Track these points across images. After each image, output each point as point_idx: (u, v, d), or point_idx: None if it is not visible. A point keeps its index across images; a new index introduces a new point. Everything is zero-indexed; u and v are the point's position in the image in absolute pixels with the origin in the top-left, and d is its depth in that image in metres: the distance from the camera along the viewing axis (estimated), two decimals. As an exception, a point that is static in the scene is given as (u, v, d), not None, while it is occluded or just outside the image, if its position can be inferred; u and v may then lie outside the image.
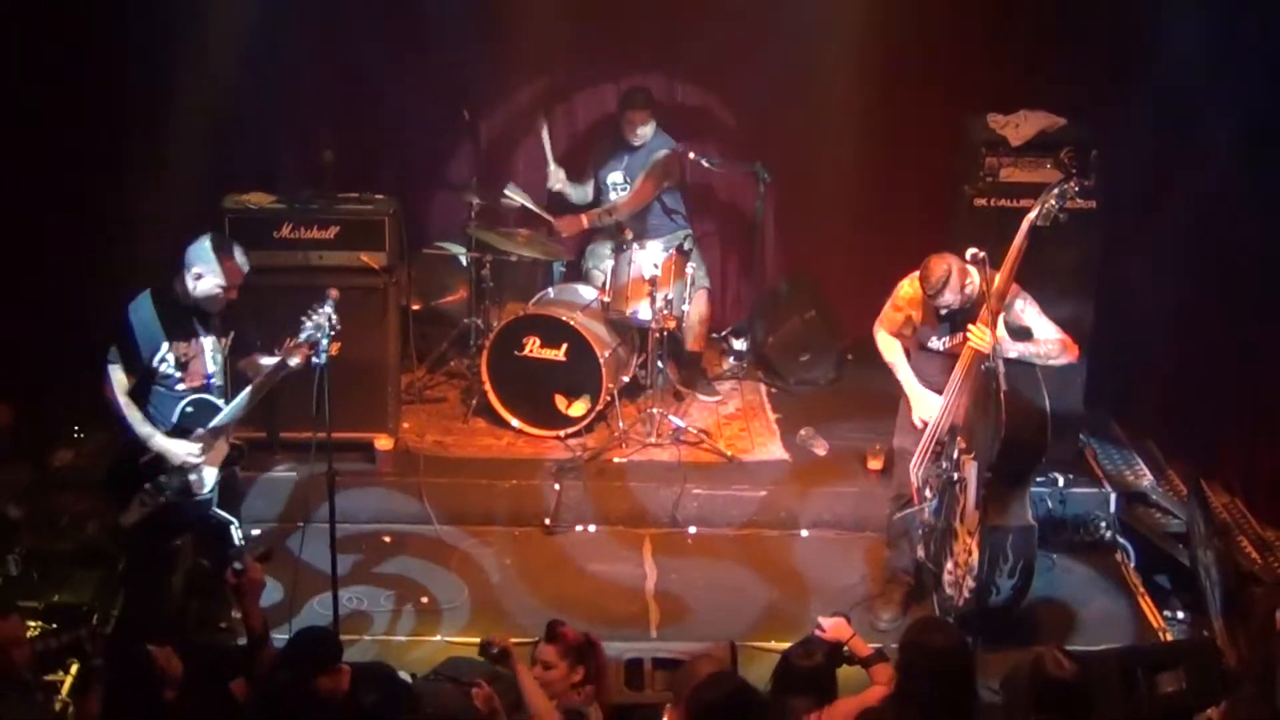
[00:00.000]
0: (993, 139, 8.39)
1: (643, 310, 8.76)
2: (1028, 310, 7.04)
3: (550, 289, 9.33)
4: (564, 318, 8.79)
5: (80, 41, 8.65)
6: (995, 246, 6.89)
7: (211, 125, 8.79)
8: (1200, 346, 8.73)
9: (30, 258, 8.82)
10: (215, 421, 6.83)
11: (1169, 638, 7.60)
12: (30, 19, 8.55)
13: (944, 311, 7.10)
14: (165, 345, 6.81)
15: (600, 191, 9.49)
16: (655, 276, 8.70)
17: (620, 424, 8.91)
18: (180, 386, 6.87)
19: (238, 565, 6.29)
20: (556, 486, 8.48)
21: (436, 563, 8.16)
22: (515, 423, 8.94)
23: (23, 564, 7.53)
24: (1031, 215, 6.85)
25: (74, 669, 6.74)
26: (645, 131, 9.27)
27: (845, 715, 5.73)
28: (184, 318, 6.87)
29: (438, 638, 7.54)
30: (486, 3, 9.38)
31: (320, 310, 6.60)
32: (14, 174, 8.66)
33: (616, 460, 8.76)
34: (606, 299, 9.01)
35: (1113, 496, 8.57)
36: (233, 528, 7.06)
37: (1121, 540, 8.38)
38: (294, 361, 6.68)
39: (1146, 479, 8.84)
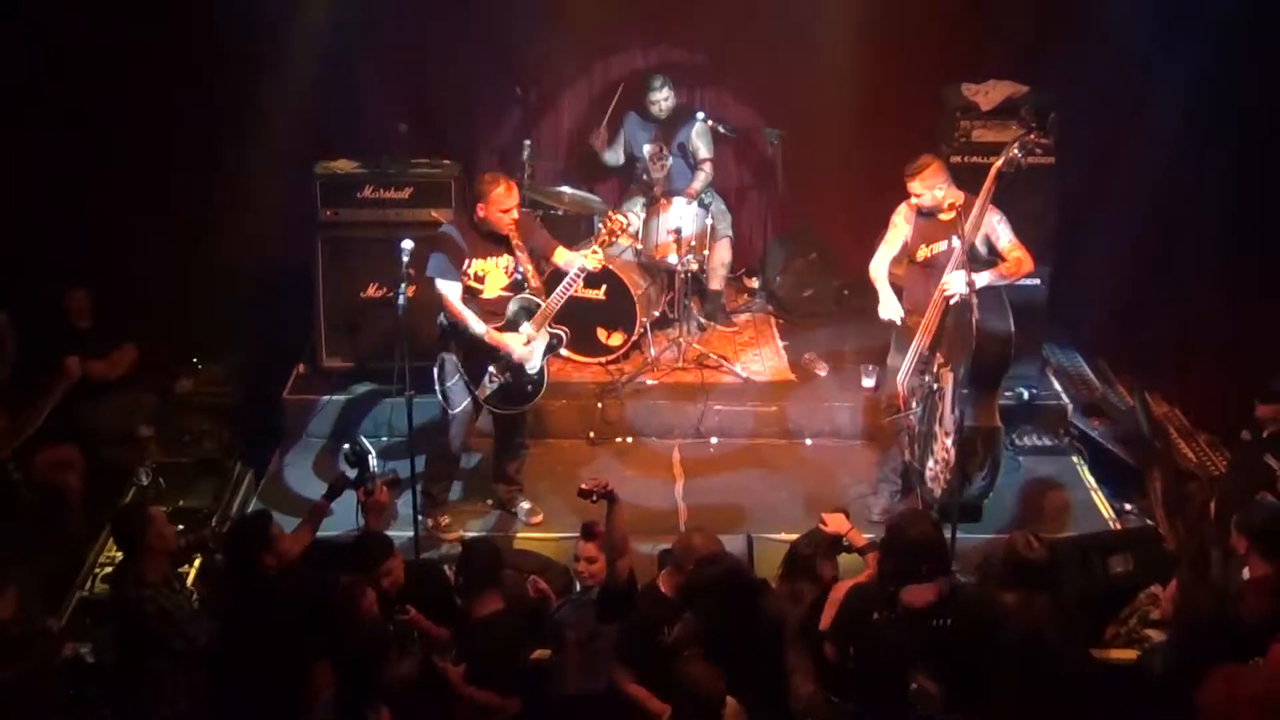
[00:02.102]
0: (966, 105, 8.30)
1: (670, 255, 8.72)
2: (1000, 226, 7.02)
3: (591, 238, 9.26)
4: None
5: (209, 43, 8.71)
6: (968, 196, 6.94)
7: (305, 103, 8.80)
8: (1143, 280, 8.67)
9: (154, 214, 8.83)
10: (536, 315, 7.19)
11: (1118, 527, 7.59)
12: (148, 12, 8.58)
13: (914, 200, 7.08)
14: (468, 261, 7.07)
15: (635, 163, 9.35)
16: (681, 226, 8.64)
17: (652, 352, 8.89)
18: (483, 296, 7.14)
19: (369, 487, 6.40)
20: (599, 405, 8.49)
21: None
22: (563, 351, 8.89)
23: (152, 475, 7.60)
24: (999, 163, 6.86)
25: (197, 563, 6.82)
26: (668, 105, 9.18)
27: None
28: (483, 240, 7.09)
29: (500, 533, 7.57)
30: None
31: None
32: (142, 138, 8.75)
33: (649, 382, 8.74)
34: (639, 246, 8.96)
35: (1070, 407, 8.56)
36: (370, 456, 7.11)
37: (1078, 444, 8.37)
38: (592, 265, 7.12)
39: (1099, 391, 8.79)
